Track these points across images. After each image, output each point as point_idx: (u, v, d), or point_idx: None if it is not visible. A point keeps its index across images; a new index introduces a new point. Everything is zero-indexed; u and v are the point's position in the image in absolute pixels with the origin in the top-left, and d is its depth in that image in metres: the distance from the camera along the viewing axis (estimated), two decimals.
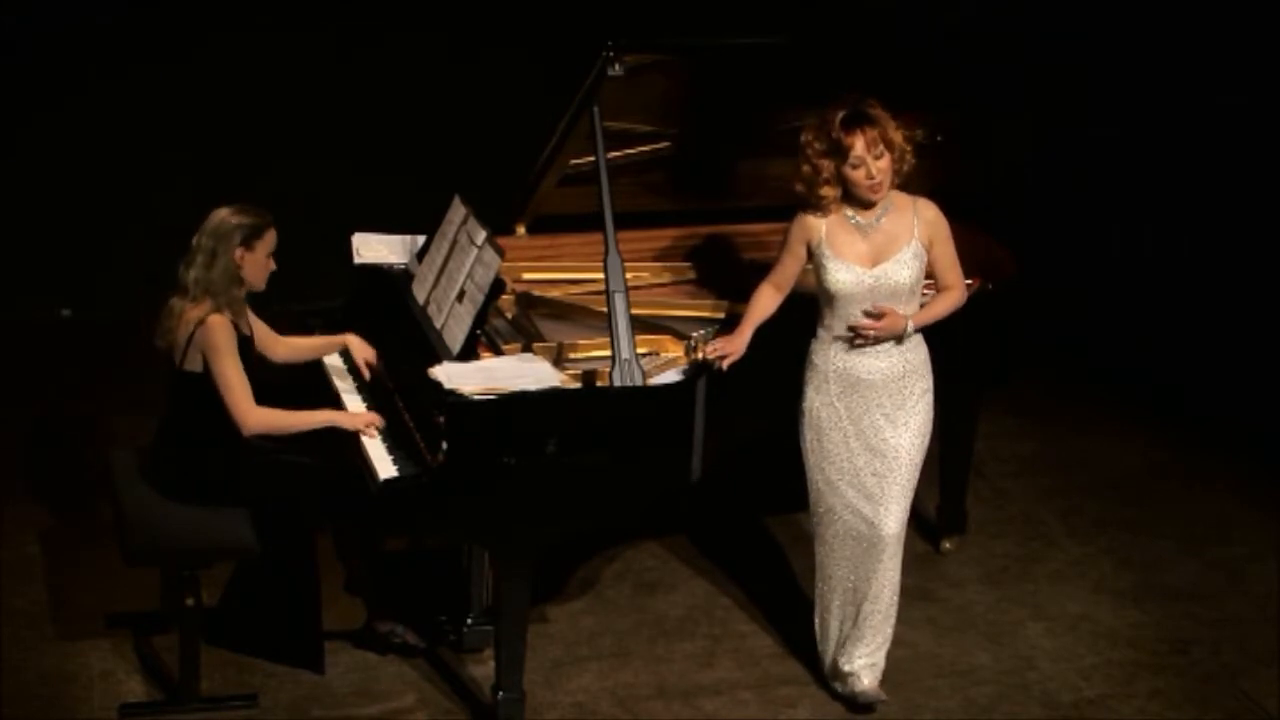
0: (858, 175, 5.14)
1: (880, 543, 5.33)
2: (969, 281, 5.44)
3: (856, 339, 5.24)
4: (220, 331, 5.21)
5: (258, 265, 5.29)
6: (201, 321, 5.21)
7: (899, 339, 5.25)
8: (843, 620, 5.47)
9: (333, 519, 5.53)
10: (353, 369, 5.72)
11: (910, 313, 5.25)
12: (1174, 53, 7.99)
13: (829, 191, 5.19)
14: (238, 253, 5.24)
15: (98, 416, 7.08)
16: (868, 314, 5.21)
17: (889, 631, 5.47)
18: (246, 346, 5.34)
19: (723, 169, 6.05)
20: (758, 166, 5.96)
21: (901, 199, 5.23)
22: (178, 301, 5.29)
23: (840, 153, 5.12)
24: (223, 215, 5.26)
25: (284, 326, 5.71)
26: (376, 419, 5.37)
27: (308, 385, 5.71)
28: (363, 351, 5.61)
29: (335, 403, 5.59)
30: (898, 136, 5.13)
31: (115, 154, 8.06)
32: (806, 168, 5.19)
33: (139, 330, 5.48)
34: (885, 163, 5.12)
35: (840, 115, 5.12)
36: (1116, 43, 8.02)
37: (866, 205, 5.20)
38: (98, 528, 6.15)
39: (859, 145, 5.09)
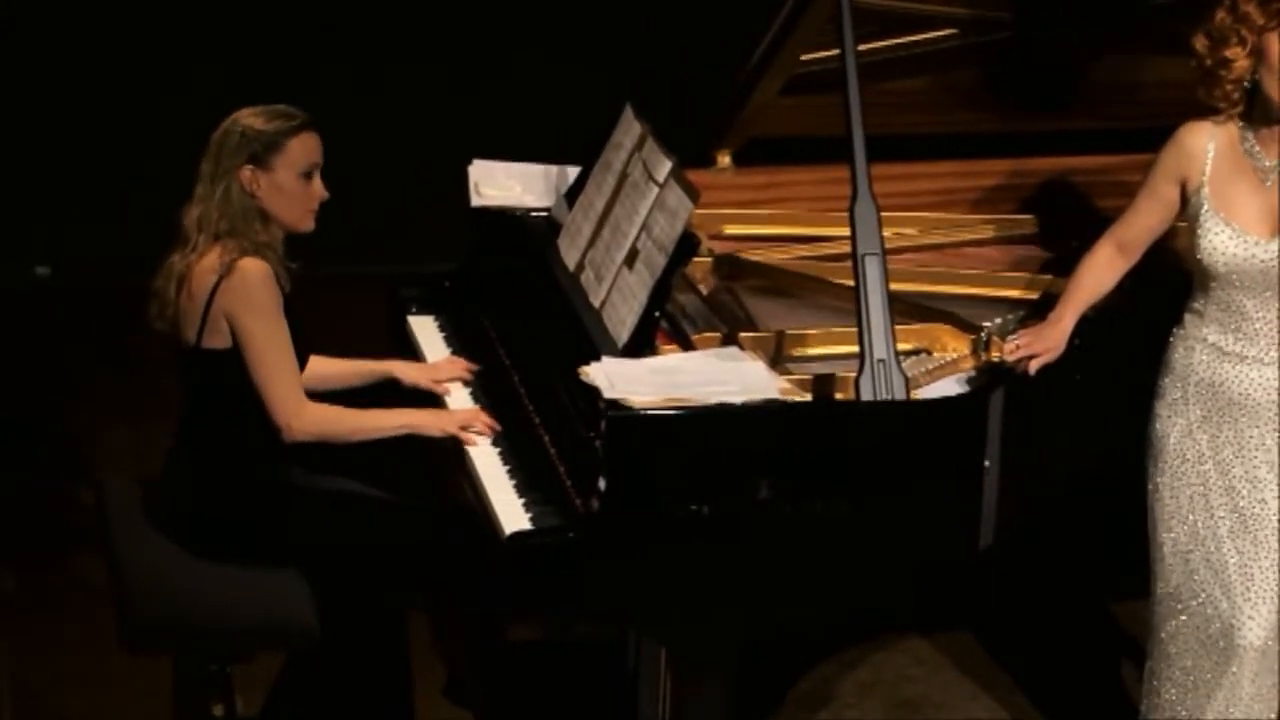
0: (1273, 54, 4.99)
1: (1234, 655, 5.29)
2: None
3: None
4: (259, 282, 5.21)
5: (284, 192, 5.29)
6: (230, 268, 5.21)
7: None
8: None
9: (431, 589, 5.62)
10: (459, 349, 5.91)
11: None
12: None
13: (1226, 79, 5.06)
14: (246, 174, 5.26)
15: (86, 421, 7.30)
16: None
17: None
18: (292, 311, 5.32)
19: (1054, 71, 6.17)
20: (1116, 68, 6.14)
21: None
22: (179, 258, 5.31)
23: (1255, 17, 4.99)
24: (227, 124, 5.31)
25: (370, 305, 5.95)
26: (481, 417, 5.46)
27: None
28: (423, 376, 5.75)
29: (428, 403, 5.69)
30: None
31: (120, 61, 8.45)
32: (1202, 42, 5.08)
33: (146, 299, 5.50)
34: None
35: None
36: None
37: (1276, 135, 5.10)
38: (84, 594, 6.26)
39: None
